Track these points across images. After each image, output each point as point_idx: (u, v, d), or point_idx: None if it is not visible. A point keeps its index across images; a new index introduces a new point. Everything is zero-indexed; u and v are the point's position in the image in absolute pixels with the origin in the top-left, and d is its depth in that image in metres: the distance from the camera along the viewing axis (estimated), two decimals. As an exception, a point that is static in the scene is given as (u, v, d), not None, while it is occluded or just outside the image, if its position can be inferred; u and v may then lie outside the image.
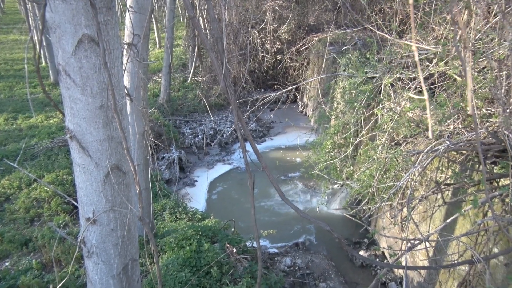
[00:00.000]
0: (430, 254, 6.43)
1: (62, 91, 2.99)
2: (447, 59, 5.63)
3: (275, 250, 9.80)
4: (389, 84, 6.92)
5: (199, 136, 19.14)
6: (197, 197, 13.48)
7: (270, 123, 26.27)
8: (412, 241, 4.07)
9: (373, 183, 6.77)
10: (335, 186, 14.78)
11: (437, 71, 6.02)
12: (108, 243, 3.68)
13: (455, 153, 5.67)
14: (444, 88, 6.22)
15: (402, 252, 3.97)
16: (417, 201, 5.54)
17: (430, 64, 6.10)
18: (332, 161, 9.24)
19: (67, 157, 12.17)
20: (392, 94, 7.19)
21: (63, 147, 13.35)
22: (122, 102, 3.62)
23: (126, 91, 5.74)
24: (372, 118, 8.60)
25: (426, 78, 6.47)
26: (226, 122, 21.57)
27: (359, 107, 8.44)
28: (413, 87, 6.30)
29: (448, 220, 4.32)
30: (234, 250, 7.02)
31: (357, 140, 8.64)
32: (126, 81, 6.09)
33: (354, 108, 8.69)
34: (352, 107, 8.62)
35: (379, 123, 7.77)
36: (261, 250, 3.85)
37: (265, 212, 12.70)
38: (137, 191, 3.40)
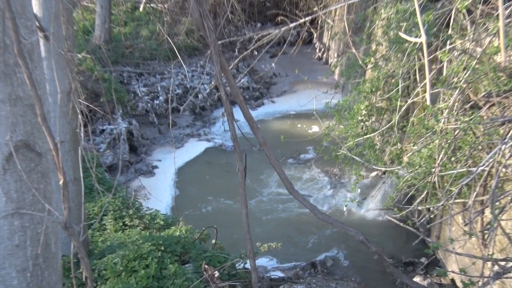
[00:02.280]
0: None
1: None
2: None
3: (280, 274, 9.77)
4: (463, 11, 6.73)
5: (160, 98, 18.98)
6: (158, 192, 13.48)
7: (271, 77, 25.96)
8: (501, 263, 3.97)
9: (434, 169, 6.72)
10: (373, 174, 14.40)
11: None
12: (9, 269, 3.55)
13: None
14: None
15: (486, 280, 3.83)
16: (509, 198, 5.35)
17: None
18: (368, 136, 9.20)
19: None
20: (468, 27, 7.04)
21: None
22: (32, 41, 3.44)
23: (37, 23, 5.53)
24: (434, 66, 8.48)
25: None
26: (202, 75, 21.32)
27: (412, 50, 8.31)
28: (506, 13, 6.05)
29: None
30: (216, 273, 7.01)
31: (409, 101, 8.56)
32: (36, 6, 5.85)
33: (404, 52, 8.55)
34: (400, 50, 8.47)
35: (444, 74, 7.65)
36: (257, 274, 3.82)
37: (265, 214, 12.79)
38: (60, 182, 3.31)
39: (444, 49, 7.52)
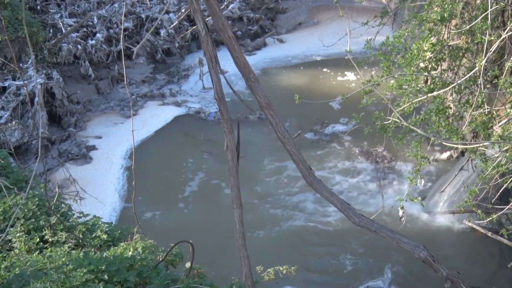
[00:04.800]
0: None
1: None
2: None
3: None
4: None
5: (98, 35, 19.07)
6: (97, 187, 13.56)
7: (277, 0, 25.53)
8: None
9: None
10: (444, 157, 14.60)
11: None
12: None
13: None
14: None
15: None
16: None
17: None
18: (435, 93, 9.15)
19: None
20: None
21: None
22: None
23: None
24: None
25: None
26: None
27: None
28: None
29: None
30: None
31: (504, 35, 8.49)
32: None
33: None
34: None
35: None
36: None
37: (268, 218, 12.81)
38: None
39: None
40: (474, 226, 8.38)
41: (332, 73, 18.55)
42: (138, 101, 17.26)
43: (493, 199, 8.78)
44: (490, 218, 8.39)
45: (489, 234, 10.34)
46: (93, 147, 15.21)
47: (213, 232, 12.01)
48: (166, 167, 14.56)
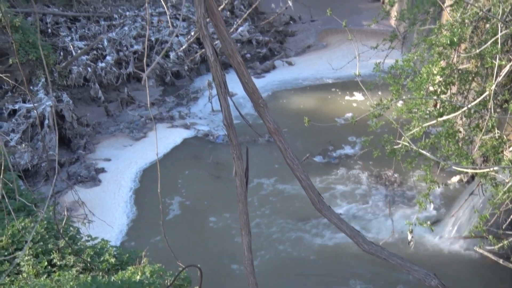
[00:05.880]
0: None
1: None
2: None
3: None
4: None
5: (108, 58, 19.18)
6: (106, 210, 13.56)
7: (286, 23, 25.64)
8: None
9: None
10: (454, 181, 14.57)
11: None
12: None
13: None
14: None
15: None
16: None
17: None
18: (445, 117, 9.12)
19: None
20: None
21: None
22: None
23: None
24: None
25: None
26: (175, 21, 21.05)
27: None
28: None
29: None
30: None
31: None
32: None
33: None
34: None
35: None
36: None
37: (278, 244, 12.77)
38: None
39: None
40: (484, 252, 8.31)
41: (341, 95, 18.58)
42: (147, 124, 17.29)
43: (504, 225, 8.73)
44: (501, 244, 8.33)
45: (501, 261, 10.24)
46: (102, 170, 15.22)
47: (221, 257, 11.96)
48: (175, 190, 14.55)
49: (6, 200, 6.79)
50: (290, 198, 13.94)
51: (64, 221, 9.72)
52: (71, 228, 9.93)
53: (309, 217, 13.19)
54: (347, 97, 18.43)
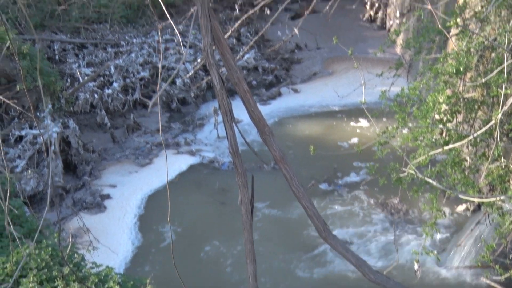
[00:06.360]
0: None
1: None
2: None
3: None
4: None
5: (114, 85, 19.26)
6: (111, 236, 13.53)
7: (292, 51, 25.56)
8: None
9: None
10: (460, 210, 14.48)
11: None
12: None
13: None
14: None
15: None
16: None
17: None
18: (451, 146, 9.11)
19: None
20: None
21: None
22: None
23: None
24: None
25: None
26: (182, 48, 21.10)
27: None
28: None
29: None
30: None
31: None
32: None
33: None
34: (506, 4, 8.35)
35: None
36: None
37: (283, 274, 12.66)
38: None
39: None
40: (492, 283, 8.24)
41: (347, 122, 18.59)
42: (153, 150, 17.30)
43: (511, 254, 8.69)
44: (508, 274, 8.28)
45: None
46: (108, 196, 15.20)
47: (226, 285, 11.91)
48: (180, 216, 14.52)
49: (11, 227, 6.79)
50: (295, 226, 13.89)
51: (68, 248, 9.72)
52: (75, 255, 9.92)
53: (314, 245, 13.14)
54: (352, 123, 18.44)
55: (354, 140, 17.34)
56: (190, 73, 19.78)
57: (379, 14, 24.61)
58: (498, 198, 8.34)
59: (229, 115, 4.35)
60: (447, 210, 12.72)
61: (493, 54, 9.28)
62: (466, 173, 9.50)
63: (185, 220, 14.35)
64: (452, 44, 11.12)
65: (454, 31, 10.33)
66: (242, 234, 4.75)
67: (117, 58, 19.87)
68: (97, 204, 14.77)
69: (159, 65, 19.86)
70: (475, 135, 8.76)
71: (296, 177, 4.63)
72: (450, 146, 9.08)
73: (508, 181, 8.89)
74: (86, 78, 18.36)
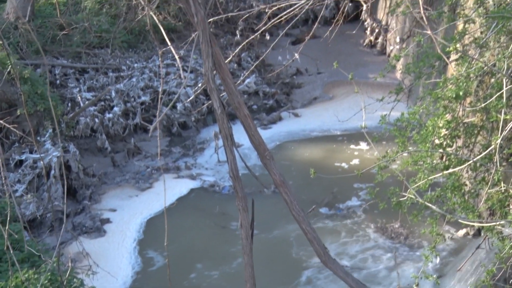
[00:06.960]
0: None
1: None
2: None
3: None
4: None
5: (115, 109, 19.28)
6: (110, 261, 13.48)
7: (293, 75, 25.58)
8: None
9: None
10: (460, 234, 14.39)
11: None
12: None
13: None
14: None
15: None
16: None
17: None
18: (451, 170, 9.10)
19: None
20: None
21: None
22: None
23: None
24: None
25: None
26: (182, 72, 21.09)
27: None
28: None
29: None
30: None
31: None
32: None
33: None
34: (505, 30, 8.40)
35: None
36: None
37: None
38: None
39: None
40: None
41: (347, 145, 18.59)
42: (153, 174, 17.30)
43: (511, 279, 8.65)
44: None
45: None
46: (107, 220, 15.18)
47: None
48: (180, 240, 14.48)
49: (11, 251, 6.78)
50: (295, 250, 13.86)
51: (68, 273, 9.69)
52: (75, 279, 9.89)
53: (315, 270, 13.10)
54: (352, 146, 18.45)
55: (355, 162, 17.38)
56: (191, 98, 19.80)
57: (379, 40, 24.67)
58: (498, 223, 8.35)
59: (230, 139, 4.37)
60: (447, 234, 12.68)
61: (492, 80, 9.31)
62: (466, 197, 9.50)
63: (185, 244, 14.31)
64: (452, 70, 11.18)
65: (453, 56, 10.37)
66: (242, 258, 4.75)
67: (118, 82, 19.90)
68: (97, 228, 14.73)
69: (157, 90, 19.92)
70: (474, 159, 8.78)
71: (296, 201, 4.65)
72: (450, 170, 9.09)
73: (508, 205, 8.89)
74: (87, 102, 18.39)
